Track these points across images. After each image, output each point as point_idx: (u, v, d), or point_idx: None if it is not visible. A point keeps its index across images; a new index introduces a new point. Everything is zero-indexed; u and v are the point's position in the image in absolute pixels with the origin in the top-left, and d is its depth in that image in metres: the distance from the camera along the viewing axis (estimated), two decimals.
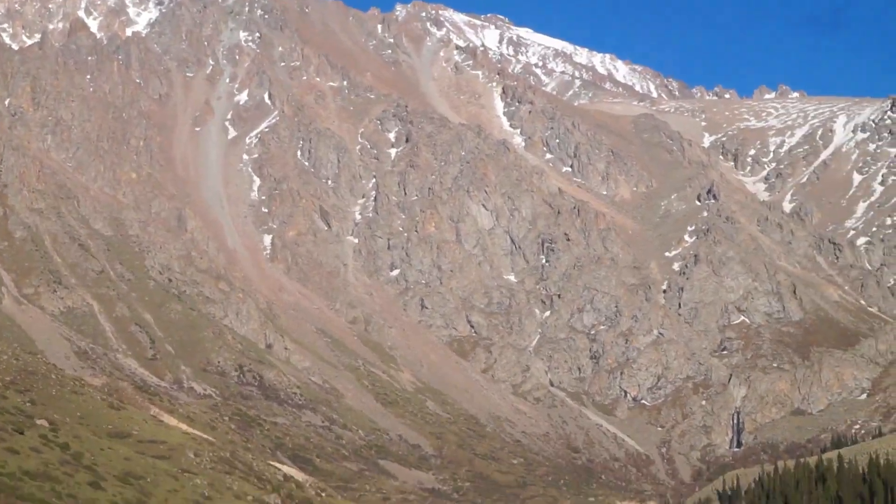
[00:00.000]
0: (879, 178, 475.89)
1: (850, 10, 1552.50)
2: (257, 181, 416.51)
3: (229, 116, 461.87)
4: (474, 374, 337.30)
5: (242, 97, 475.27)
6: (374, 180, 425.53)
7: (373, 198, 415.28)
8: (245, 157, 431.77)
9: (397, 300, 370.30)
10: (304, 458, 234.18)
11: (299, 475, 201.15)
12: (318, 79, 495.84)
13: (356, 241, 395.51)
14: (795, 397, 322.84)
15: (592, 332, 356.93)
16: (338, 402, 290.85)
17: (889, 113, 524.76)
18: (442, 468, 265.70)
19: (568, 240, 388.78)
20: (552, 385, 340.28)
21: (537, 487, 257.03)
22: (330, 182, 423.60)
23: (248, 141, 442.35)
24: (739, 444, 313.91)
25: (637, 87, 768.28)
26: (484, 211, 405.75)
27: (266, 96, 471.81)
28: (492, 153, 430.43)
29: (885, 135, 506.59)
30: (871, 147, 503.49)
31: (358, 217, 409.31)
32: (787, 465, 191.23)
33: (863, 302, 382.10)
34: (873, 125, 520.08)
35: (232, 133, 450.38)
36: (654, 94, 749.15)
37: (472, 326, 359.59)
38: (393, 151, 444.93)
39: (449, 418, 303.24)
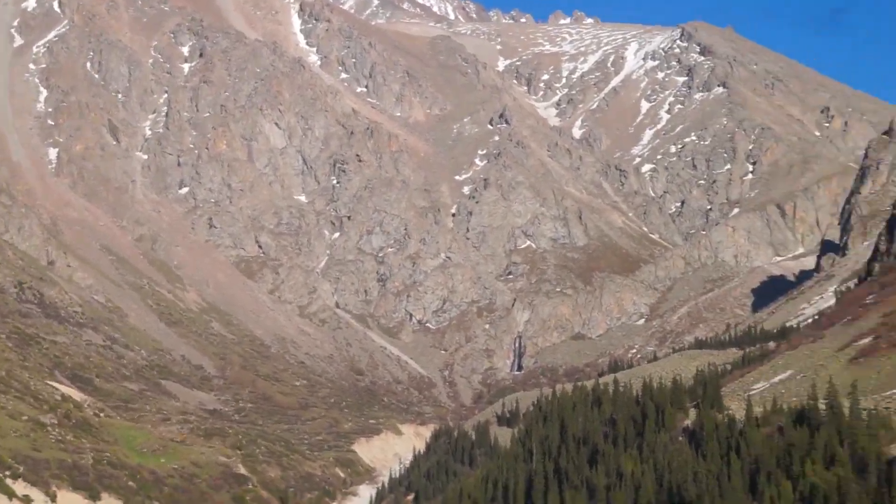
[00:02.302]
0: (666, 107, 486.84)
1: None
2: (44, 92, 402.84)
3: (15, 24, 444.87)
4: (261, 294, 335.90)
5: (30, 3, 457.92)
6: (165, 95, 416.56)
7: (164, 113, 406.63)
8: (32, 66, 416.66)
9: (185, 218, 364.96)
10: (83, 378, 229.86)
11: (78, 395, 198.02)
12: None
13: (145, 157, 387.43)
14: (576, 322, 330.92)
15: (381, 255, 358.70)
16: (121, 322, 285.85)
17: (678, 42, 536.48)
18: (224, 389, 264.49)
19: (360, 161, 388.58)
20: (338, 307, 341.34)
21: (319, 409, 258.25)
22: (120, 96, 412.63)
23: (35, 50, 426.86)
24: (520, 368, 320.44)
25: (435, 9, 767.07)
26: (277, 130, 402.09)
27: (55, 4, 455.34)
28: (287, 71, 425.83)
29: (674, 63, 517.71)
30: (660, 75, 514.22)
31: (148, 132, 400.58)
32: (565, 389, 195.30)
33: (645, 228, 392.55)
34: (663, 54, 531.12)
35: (18, 41, 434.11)
36: (452, 16, 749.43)
37: (260, 247, 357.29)
38: (186, 66, 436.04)
39: (234, 339, 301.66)
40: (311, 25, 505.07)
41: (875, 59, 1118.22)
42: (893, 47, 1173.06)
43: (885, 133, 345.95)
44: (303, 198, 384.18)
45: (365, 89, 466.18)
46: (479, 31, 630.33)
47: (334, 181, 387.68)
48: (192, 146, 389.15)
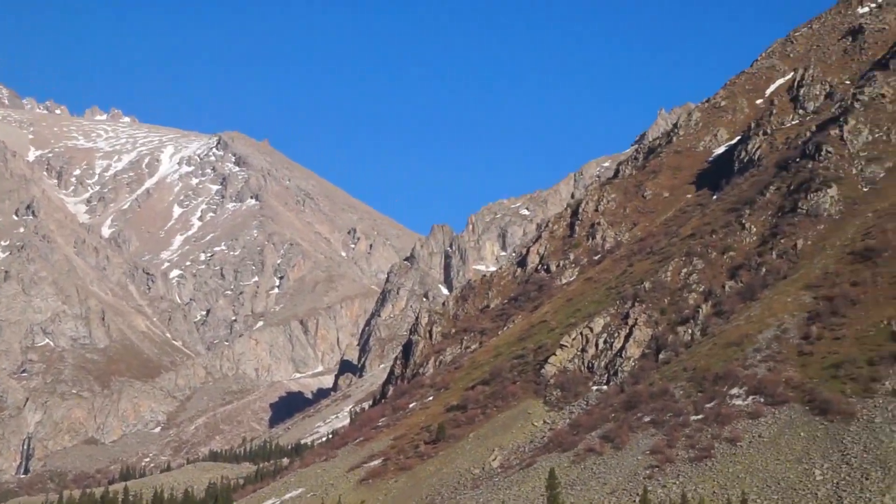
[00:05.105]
0: (199, 213, 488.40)
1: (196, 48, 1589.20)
2: None
3: None
4: None
5: None
6: None
7: None
8: None
9: None
10: None
11: None
12: None
13: None
14: (91, 426, 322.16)
15: None
16: None
17: (214, 150, 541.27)
18: None
19: None
20: None
21: None
22: None
23: None
24: (27, 471, 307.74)
25: None
26: None
27: None
28: None
29: (209, 171, 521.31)
30: (194, 181, 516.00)
31: None
32: (73, 495, 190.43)
33: (169, 335, 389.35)
34: (198, 160, 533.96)
35: None
36: None
37: None
38: None
39: None
40: None
41: (400, 186, 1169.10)
42: (423, 172, 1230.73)
43: (407, 259, 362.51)
44: None
45: None
46: (10, 117, 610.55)
47: None
48: None
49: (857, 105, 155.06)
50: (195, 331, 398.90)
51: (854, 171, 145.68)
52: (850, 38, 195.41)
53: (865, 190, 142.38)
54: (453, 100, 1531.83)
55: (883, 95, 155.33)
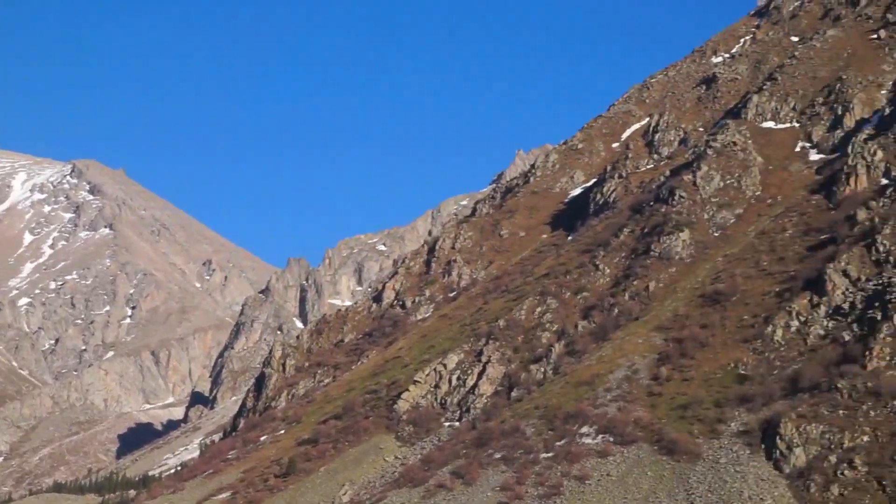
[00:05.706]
0: (50, 241, 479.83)
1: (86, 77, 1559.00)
2: None
3: None
4: None
5: None
6: None
7: None
8: None
9: None
10: None
11: None
12: None
13: None
14: None
15: None
16: None
17: (69, 178, 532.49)
18: None
19: None
20: None
21: None
22: None
23: None
24: None
25: None
26: None
27: None
28: None
29: (62, 198, 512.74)
30: (47, 209, 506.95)
31: None
32: None
33: (15, 363, 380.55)
34: (52, 187, 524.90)
35: None
36: None
37: None
38: None
39: None
40: None
41: (256, 219, 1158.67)
42: (280, 205, 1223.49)
43: (262, 292, 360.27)
44: None
45: None
46: None
47: None
48: None
49: (709, 152, 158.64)
50: (43, 360, 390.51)
51: (706, 216, 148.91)
52: (704, 87, 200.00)
53: (716, 235, 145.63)
54: (310, 134, 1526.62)
55: (735, 143, 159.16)
